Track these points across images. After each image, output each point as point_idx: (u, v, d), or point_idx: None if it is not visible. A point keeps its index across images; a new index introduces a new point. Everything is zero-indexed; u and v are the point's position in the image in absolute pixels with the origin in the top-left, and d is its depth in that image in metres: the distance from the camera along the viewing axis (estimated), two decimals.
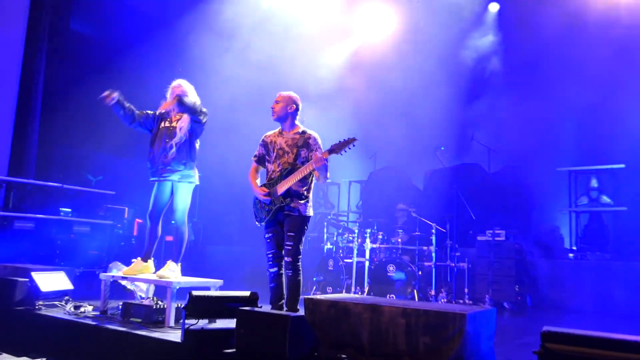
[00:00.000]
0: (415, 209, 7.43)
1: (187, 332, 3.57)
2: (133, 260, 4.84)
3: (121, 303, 4.56)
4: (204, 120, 4.76)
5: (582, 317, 6.39)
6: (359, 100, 10.23)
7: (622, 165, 7.78)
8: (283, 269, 4.26)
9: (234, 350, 3.40)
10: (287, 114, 4.37)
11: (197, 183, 4.92)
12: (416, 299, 6.59)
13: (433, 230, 7.00)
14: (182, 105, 4.64)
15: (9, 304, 4.75)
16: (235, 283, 6.41)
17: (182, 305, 3.66)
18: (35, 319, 4.58)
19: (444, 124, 9.23)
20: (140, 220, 8.95)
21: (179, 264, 4.79)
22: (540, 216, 8.86)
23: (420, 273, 7.01)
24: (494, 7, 10.10)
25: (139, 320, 4.33)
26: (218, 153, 8.23)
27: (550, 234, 8.58)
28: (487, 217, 7.77)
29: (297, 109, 4.41)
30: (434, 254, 6.95)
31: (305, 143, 4.30)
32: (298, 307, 4.10)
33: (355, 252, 7.18)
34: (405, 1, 10.52)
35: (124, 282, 5.06)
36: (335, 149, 4.06)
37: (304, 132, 4.37)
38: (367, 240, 7.17)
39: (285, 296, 4.24)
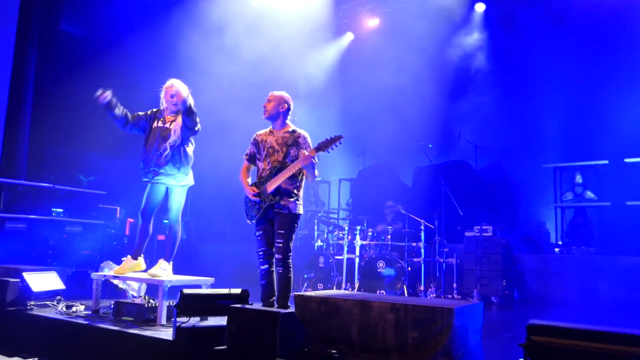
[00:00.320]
0: (403, 206, 7.51)
1: (178, 330, 3.62)
2: (123, 259, 4.87)
3: (113, 302, 4.58)
4: (196, 129, 4.76)
5: (568, 310, 6.51)
6: (348, 99, 10.31)
7: (606, 162, 7.92)
8: (274, 266, 4.32)
9: (225, 347, 3.46)
10: (278, 113, 4.42)
11: (192, 184, 4.94)
12: (405, 295, 6.67)
13: (422, 227, 7.08)
14: (188, 111, 4.61)
15: (0, 305, 4.76)
16: (226, 281, 6.46)
17: (174, 304, 3.70)
18: (27, 319, 4.59)
19: (431, 121, 9.32)
20: (132, 220, 8.96)
21: (171, 262, 4.82)
22: (526, 212, 8.99)
23: (409, 269, 7.09)
24: (480, 7, 10.20)
25: (131, 319, 4.36)
26: (209, 152, 8.24)
27: (537, 229, 8.71)
28: (474, 213, 7.87)
29: (288, 109, 4.46)
30: (422, 250, 7.03)
31: (294, 142, 4.35)
32: (289, 304, 4.16)
33: (345, 249, 7.24)
34: (393, 1, 10.59)
35: (115, 282, 5.08)
36: (322, 146, 4.12)
37: (294, 131, 4.43)
38: (357, 237, 7.23)
39: (276, 293, 4.29)
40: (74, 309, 4.73)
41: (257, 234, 4.38)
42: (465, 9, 10.23)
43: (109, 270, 5.12)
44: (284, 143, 4.36)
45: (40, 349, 4.34)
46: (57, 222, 7.73)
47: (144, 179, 4.82)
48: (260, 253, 4.36)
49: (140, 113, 4.91)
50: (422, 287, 6.95)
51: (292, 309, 3.55)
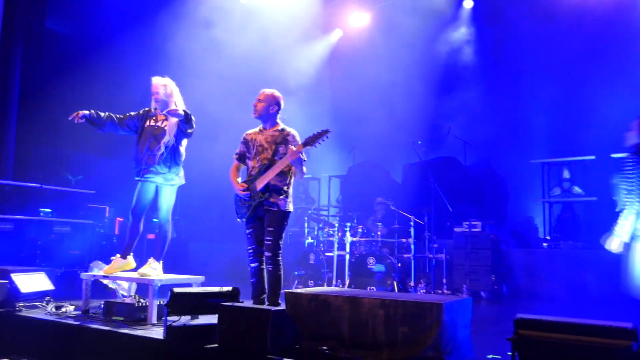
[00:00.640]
0: (393, 202, 7.55)
1: (169, 329, 3.62)
2: (112, 258, 4.86)
3: (103, 302, 4.57)
4: (190, 132, 4.77)
5: (555, 304, 6.58)
6: (337, 97, 10.33)
7: (593, 157, 8.01)
8: (264, 264, 4.33)
9: (217, 345, 3.46)
10: (268, 114, 4.43)
11: (183, 182, 4.92)
12: (396, 290, 6.71)
13: (411, 223, 7.13)
14: (185, 119, 4.60)
15: None
16: (217, 279, 6.45)
17: (164, 303, 3.70)
18: (15, 321, 4.56)
19: (421, 117, 9.37)
20: (121, 219, 8.91)
21: (161, 261, 4.81)
22: (514, 207, 9.07)
23: (399, 265, 7.13)
24: (468, 4, 10.26)
25: (121, 318, 4.35)
26: (199, 150, 8.21)
27: (525, 224, 8.80)
28: (463, 209, 7.93)
29: (278, 109, 4.47)
30: (412, 246, 7.08)
31: (284, 140, 4.36)
32: (279, 301, 4.17)
33: (335, 245, 7.26)
34: None
35: (105, 281, 5.06)
36: (309, 141, 4.14)
37: (283, 130, 4.44)
38: (347, 233, 7.26)
39: (266, 291, 4.31)
40: (63, 309, 4.71)
41: (247, 232, 4.39)
42: (453, 5, 10.28)
43: (98, 270, 5.10)
44: (273, 141, 4.37)
45: (30, 350, 4.32)
46: (46, 222, 7.67)
47: (136, 178, 4.82)
48: (250, 251, 4.37)
49: (132, 113, 4.92)
50: (412, 283, 6.99)
51: (282, 306, 3.57)
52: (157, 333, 3.84)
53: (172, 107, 4.69)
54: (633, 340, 2.35)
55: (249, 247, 4.38)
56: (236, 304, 3.61)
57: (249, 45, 9.57)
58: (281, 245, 4.28)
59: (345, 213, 8.48)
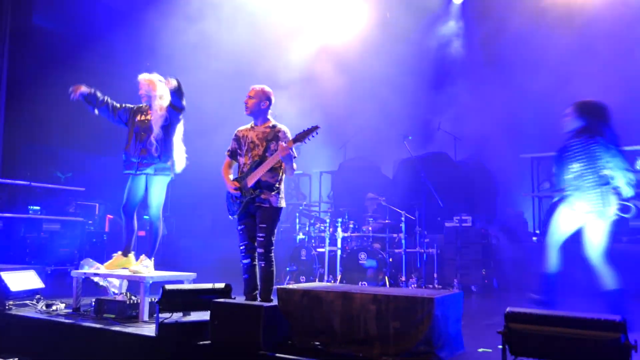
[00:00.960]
0: (385, 198, 7.57)
1: (161, 326, 3.61)
2: (114, 255, 4.83)
3: (94, 300, 4.55)
4: (184, 110, 4.74)
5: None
6: (328, 92, 10.30)
7: None
8: (256, 260, 4.33)
9: (209, 341, 3.47)
10: (259, 110, 4.43)
11: (176, 172, 4.88)
12: (387, 285, 6.74)
13: (402, 218, 7.16)
14: (177, 90, 4.58)
15: None
16: (209, 276, 6.43)
17: (156, 300, 3.70)
18: (5, 319, 4.52)
19: (411, 113, 9.39)
20: (111, 216, 8.86)
21: (152, 258, 4.80)
22: (504, 202, 9.13)
23: (391, 260, 7.17)
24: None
25: (113, 316, 4.34)
26: (190, 147, 8.18)
27: (515, 219, 8.85)
28: (454, 204, 7.97)
29: (269, 105, 4.48)
30: (403, 241, 7.11)
31: (275, 136, 4.37)
32: (272, 297, 4.18)
33: (327, 241, 7.28)
34: None
35: (96, 279, 5.04)
36: (300, 137, 4.15)
37: (274, 126, 4.44)
38: (339, 229, 7.28)
39: (258, 287, 4.31)
40: (54, 307, 4.68)
41: (239, 228, 4.39)
42: (444, 0, 10.30)
43: (89, 267, 5.07)
44: (264, 138, 4.38)
45: (21, 349, 4.29)
46: (35, 220, 7.61)
47: (125, 171, 4.82)
48: (242, 247, 4.37)
49: (128, 105, 4.94)
50: (403, 278, 7.02)
51: (275, 302, 3.57)
52: (149, 330, 3.83)
53: (158, 101, 4.69)
54: (621, 333, 2.38)
55: (241, 244, 4.38)
56: (228, 300, 3.62)
57: (239, 40, 9.52)
58: (273, 242, 4.28)
59: (337, 209, 8.49)
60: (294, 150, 4.22)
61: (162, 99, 4.76)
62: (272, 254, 4.27)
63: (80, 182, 8.62)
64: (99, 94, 4.82)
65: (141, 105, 4.91)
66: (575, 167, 4.39)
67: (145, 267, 4.64)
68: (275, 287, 3.97)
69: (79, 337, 4.06)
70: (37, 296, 4.99)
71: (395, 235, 7.32)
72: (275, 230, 4.33)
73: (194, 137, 8.31)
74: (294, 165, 4.32)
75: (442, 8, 10.34)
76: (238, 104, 4.53)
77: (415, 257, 7.44)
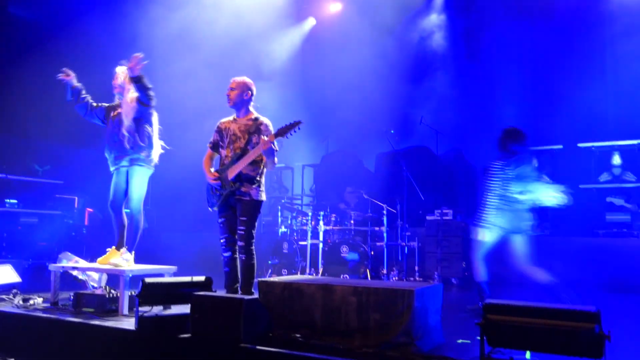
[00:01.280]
0: (366, 191, 7.60)
1: (141, 320, 3.59)
2: (108, 249, 4.78)
3: (72, 294, 4.49)
4: (152, 103, 4.71)
5: (524, 290, 6.73)
6: (310, 85, 10.28)
7: (560, 146, 8.20)
8: (237, 253, 4.32)
9: (189, 335, 3.45)
10: (242, 101, 4.42)
11: (152, 163, 4.85)
12: (369, 278, 6.78)
13: (384, 211, 7.19)
14: (137, 81, 4.54)
15: None
16: (189, 269, 6.40)
17: (136, 293, 3.67)
18: None
19: (393, 106, 9.41)
20: (91, 210, 8.75)
21: (133, 252, 4.76)
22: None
23: (372, 253, 7.20)
24: None
25: (92, 310, 4.29)
26: (171, 139, 8.10)
27: None
28: (435, 197, 8.02)
29: (252, 95, 4.47)
30: (385, 234, 7.15)
31: (257, 129, 4.35)
32: (253, 291, 4.17)
33: (309, 234, 7.29)
34: None
35: (75, 273, 4.99)
36: (281, 132, 4.14)
37: (256, 119, 4.42)
38: (321, 222, 7.29)
39: (239, 280, 4.30)
40: (31, 301, 4.62)
41: (220, 221, 4.38)
42: None
43: (67, 261, 5.01)
44: (246, 130, 4.36)
45: None
46: (11, 213, 7.49)
47: (111, 168, 4.83)
48: (223, 240, 4.36)
49: (105, 104, 4.95)
50: (384, 271, 7.07)
51: (255, 295, 3.57)
52: (129, 324, 3.81)
53: (130, 93, 4.69)
54: (595, 323, 2.43)
55: (222, 237, 4.36)
56: (209, 293, 3.60)
57: (221, 30, 9.42)
58: (254, 235, 4.27)
59: (319, 202, 8.51)
60: (275, 144, 4.21)
61: (134, 91, 4.73)
62: (253, 247, 4.26)
63: (58, 175, 8.49)
64: (83, 92, 4.83)
65: (114, 103, 4.93)
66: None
67: (125, 261, 4.60)
68: (256, 280, 3.97)
69: (57, 331, 4.02)
70: (14, 290, 4.92)
71: (377, 228, 7.36)
72: (256, 223, 4.31)
73: (175, 128, 8.25)
74: (275, 159, 4.31)
75: (424, 1, 10.37)
76: (220, 95, 4.50)
77: (397, 250, 7.49)
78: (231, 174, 4.25)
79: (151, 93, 4.66)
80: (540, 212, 8.27)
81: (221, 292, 3.84)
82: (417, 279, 7.02)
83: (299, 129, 4.14)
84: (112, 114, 4.85)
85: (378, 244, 7.32)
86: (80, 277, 5.07)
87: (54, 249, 7.56)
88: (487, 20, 9.32)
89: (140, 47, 8.61)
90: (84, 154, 8.87)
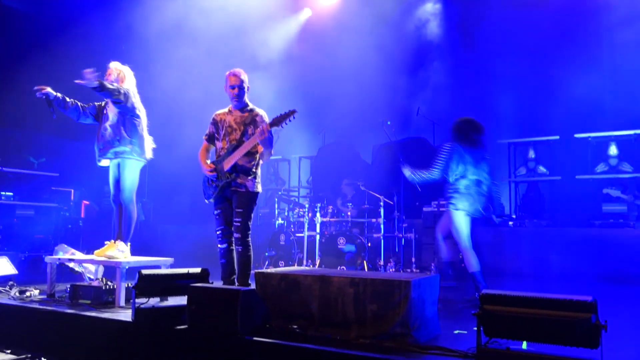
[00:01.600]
0: (363, 183, 7.59)
1: (137, 311, 3.58)
2: (106, 242, 4.77)
3: (69, 286, 4.49)
4: (123, 100, 4.67)
5: (520, 281, 6.76)
6: (307, 76, 10.23)
7: (557, 137, 8.20)
8: (233, 245, 4.31)
9: (186, 326, 3.45)
10: (245, 95, 4.42)
11: (142, 156, 4.84)
12: (366, 270, 6.78)
13: (381, 203, 7.18)
14: (101, 89, 4.50)
15: None
16: (186, 261, 6.40)
17: (132, 285, 3.66)
18: None
19: (390, 98, 9.39)
20: (87, 202, 8.73)
21: (128, 243, 4.76)
22: None
23: (369, 244, 7.20)
24: None
25: (88, 301, 4.29)
26: (167, 132, 8.07)
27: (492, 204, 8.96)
28: (432, 188, 8.00)
29: (248, 88, 4.45)
30: (382, 226, 7.14)
31: (252, 120, 4.34)
32: (249, 282, 4.17)
33: (306, 226, 7.29)
34: None
35: (71, 265, 4.98)
36: (276, 121, 4.12)
37: (252, 110, 4.41)
38: (318, 214, 7.28)
39: (236, 271, 4.30)
40: (27, 293, 4.62)
41: (216, 212, 4.37)
42: None
43: (63, 253, 5.00)
44: (242, 122, 4.35)
45: None
46: (7, 206, 7.46)
47: (97, 163, 4.85)
48: (219, 232, 4.35)
49: (96, 103, 4.96)
50: (381, 262, 7.07)
51: (252, 287, 3.57)
52: (126, 315, 3.81)
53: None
54: (592, 313, 2.43)
55: (218, 228, 4.36)
56: (206, 285, 3.60)
57: (217, 21, 9.35)
58: (250, 226, 4.27)
59: (316, 194, 8.49)
60: (271, 133, 4.19)
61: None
62: (249, 239, 4.25)
63: (54, 168, 8.46)
64: (67, 98, 4.79)
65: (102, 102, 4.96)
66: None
67: (121, 252, 4.60)
68: (253, 271, 3.96)
69: (54, 323, 4.01)
70: (10, 282, 4.92)
71: (374, 220, 7.35)
72: (252, 215, 4.30)
73: (171, 121, 8.24)
74: (272, 150, 4.30)
75: None
76: (217, 86, 4.47)
77: (394, 241, 7.49)
78: (227, 165, 4.24)
79: (117, 92, 4.60)
80: (537, 203, 8.32)
81: (218, 284, 3.84)
82: (414, 270, 7.03)
83: (293, 118, 4.12)
84: (103, 111, 4.88)
85: (375, 235, 7.32)
86: (76, 269, 5.07)
87: (50, 242, 7.55)
88: (483, 9, 9.27)
89: (135, 38, 8.63)
90: (80, 146, 8.80)
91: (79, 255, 5.09)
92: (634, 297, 5.44)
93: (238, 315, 3.23)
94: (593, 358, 2.42)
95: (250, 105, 4.45)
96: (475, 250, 7.66)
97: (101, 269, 5.06)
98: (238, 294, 3.28)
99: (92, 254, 4.84)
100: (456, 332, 3.54)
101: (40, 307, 4.18)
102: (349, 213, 7.43)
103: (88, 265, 4.98)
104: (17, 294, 4.60)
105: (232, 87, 4.35)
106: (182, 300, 3.61)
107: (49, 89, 4.63)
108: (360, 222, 7.42)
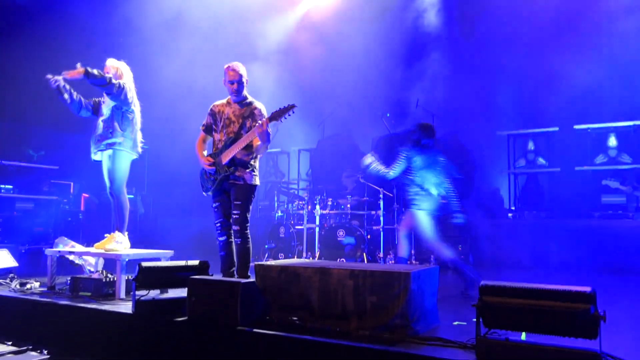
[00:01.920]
0: (362, 175, 7.58)
1: (138, 303, 3.59)
2: (106, 235, 4.78)
3: (69, 278, 4.50)
4: (115, 91, 4.66)
5: (520, 272, 6.79)
6: (307, 66, 10.20)
7: (556, 129, 8.20)
8: (232, 237, 4.32)
9: (186, 318, 3.46)
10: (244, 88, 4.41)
11: (133, 148, 4.85)
12: (365, 262, 6.80)
13: (381, 195, 7.19)
14: (87, 77, 4.49)
15: None
16: (186, 253, 6.41)
17: (132, 277, 3.67)
18: None
19: (389, 90, 9.36)
20: (87, 195, 8.72)
21: (126, 233, 4.76)
22: (481, 178, 9.22)
23: (369, 237, 7.21)
24: None
25: (89, 294, 4.31)
26: (166, 125, 8.06)
27: (491, 196, 8.97)
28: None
29: (247, 81, 4.44)
30: (381, 218, 7.15)
31: (251, 113, 4.32)
32: (249, 274, 4.18)
33: (305, 218, 7.29)
34: None
35: (71, 257, 4.99)
36: (276, 116, 4.11)
37: (250, 103, 4.39)
38: (317, 207, 7.29)
39: (235, 264, 4.31)
40: (28, 286, 4.64)
41: (214, 205, 4.37)
42: None
43: (64, 246, 5.01)
44: (240, 115, 4.33)
45: None
46: (7, 198, 7.46)
47: (92, 157, 4.88)
48: (218, 225, 4.35)
49: (95, 99, 4.98)
50: (381, 254, 7.09)
51: (252, 279, 3.58)
52: (126, 308, 3.82)
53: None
54: (591, 304, 2.44)
55: (217, 221, 4.36)
56: (205, 277, 3.60)
57: (216, 11, 9.31)
58: (249, 218, 4.27)
59: (315, 186, 8.49)
60: (269, 127, 4.18)
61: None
62: (248, 231, 4.26)
63: (53, 161, 8.45)
64: (74, 94, 4.83)
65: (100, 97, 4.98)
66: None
67: (119, 244, 4.61)
68: (252, 263, 3.97)
69: (54, 315, 4.03)
70: (11, 275, 4.93)
71: (373, 212, 7.36)
72: (251, 207, 4.30)
73: (170, 114, 8.23)
74: (268, 144, 4.29)
75: None
76: (215, 78, 4.45)
77: (393, 233, 7.49)
78: (225, 158, 4.24)
79: (106, 77, 4.60)
80: (537, 194, 8.33)
81: (218, 276, 3.85)
82: (414, 262, 7.04)
83: (293, 112, 4.11)
84: (100, 106, 4.91)
85: (374, 227, 7.33)
86: (77, 261, 5.08)
87: (50, 234, 7.56)
88: (483, 4, 9.23)
89: (133, 30, 8.58)
90: (79, 139, 8.79)
91: (79, 247, 5.10)
92: (632, 288, 5.46)
93: (238, 307, 3.24)
94: (592, 348, 2.43)
95: (250, 98, 4.44)
96: (475, 242, 7.72)
97: (101, 261, 5.07)
98: (238, 286, 3.29)
99: (92, 246, 4.85)
100: (455, 323, 3.55)
101: (41, 299, 4.20)
102: (348, 205, 7.43)
103: (88, 257, 4.99)
104: (18, 287, 4.61)
105: (232, 82, 4.33)
106: (182, 292, 3.62)
107: (63, 84, 4.68)
108: (360, 215, 7.43)
